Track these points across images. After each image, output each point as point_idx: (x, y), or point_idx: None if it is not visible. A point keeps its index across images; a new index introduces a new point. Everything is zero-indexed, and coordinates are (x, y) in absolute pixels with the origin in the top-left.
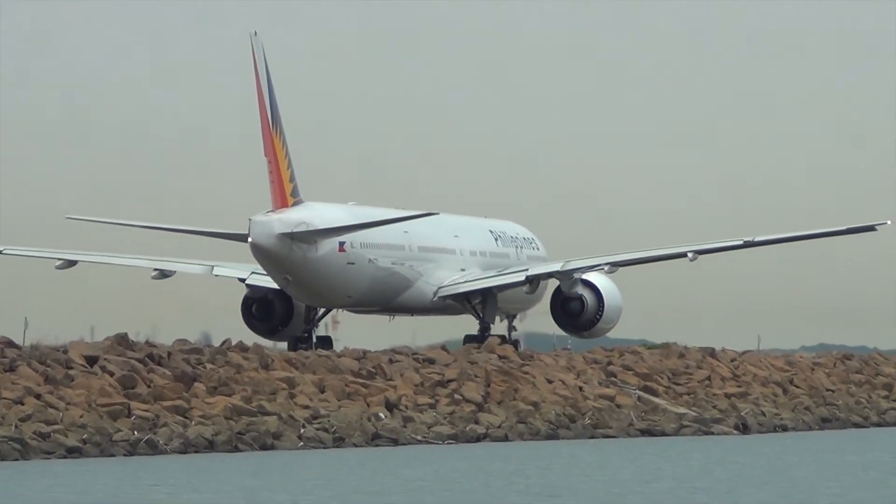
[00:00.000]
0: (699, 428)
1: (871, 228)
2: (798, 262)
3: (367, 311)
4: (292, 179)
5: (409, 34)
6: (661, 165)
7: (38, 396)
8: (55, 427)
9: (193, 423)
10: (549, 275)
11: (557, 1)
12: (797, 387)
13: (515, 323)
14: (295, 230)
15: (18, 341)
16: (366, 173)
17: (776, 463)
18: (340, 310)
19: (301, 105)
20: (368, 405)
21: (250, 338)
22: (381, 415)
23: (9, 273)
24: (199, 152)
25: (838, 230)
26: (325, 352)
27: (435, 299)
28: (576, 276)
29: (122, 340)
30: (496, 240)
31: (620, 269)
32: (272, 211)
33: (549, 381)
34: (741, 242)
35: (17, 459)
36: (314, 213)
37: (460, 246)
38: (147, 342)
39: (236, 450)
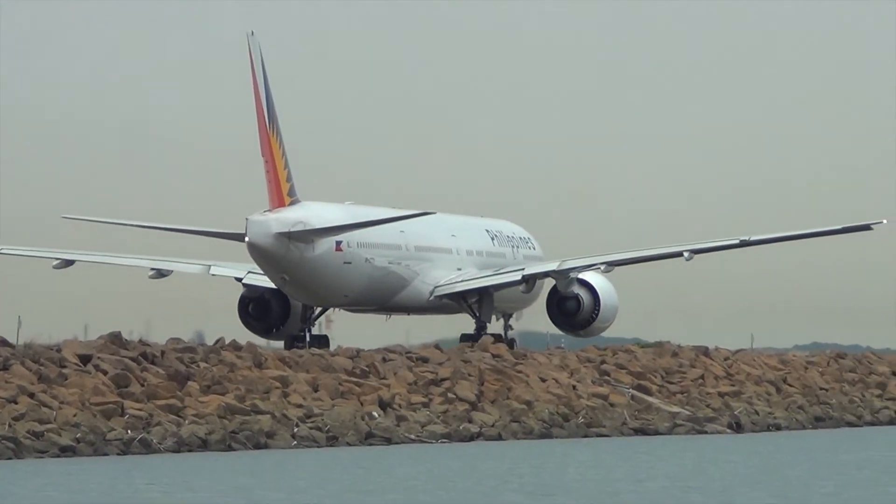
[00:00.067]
0: (692, 427)
1: (866, 228)
2: (795, 261)
3: (363, 311)
4: (289, 179)
5: (407, 34)
6: (660, 165)
7: (31, 395)
8: (49, 426)
9: (187, 421)
10: (546, 274)
11: (557, 1)
12: (791, 385)
13: (511, 322)
14: (292, 230)
15: (12, 340)
16: (363, 173)
17: (769, 462)
18: (337, 309)
19: (297, 104)
20: (362, 404)
21: (247, 337)
22: (375, 414)
23: (4, 272)
24: (196, 152)
25: (834, 229)
26: (318, 350)
27: (431, 298)
28: (572, 275)
29: (115, 339)
30: (492, 239)
31: (616, 268)
32: (269, 210)
33: (543, 380)
34: (737, 242)
35: (10, 458)
36: (311, 213)
37: (457, 245)
38: (140, 341)
39: (230, 449)
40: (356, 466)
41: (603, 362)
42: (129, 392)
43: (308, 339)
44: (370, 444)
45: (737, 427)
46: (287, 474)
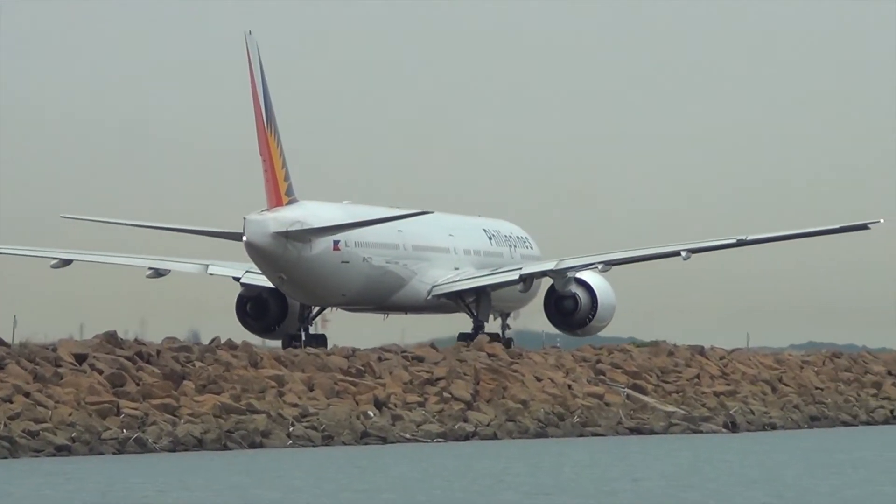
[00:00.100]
0: (688, 426)
1: (864, 227)
2: (793, 261)
3: (361, 310)
4: (287, 178)
5: (406, 33)
6: (660, 165)
7: (27, 394)
8: (44, 425)
9: (182, 421)
10: (543, 273)
11: (557, 1)
12: (786, 385)
13: (509, 321)
14: (290, 229)
15: (8, 339)
16: (360, 172)
17: (765, 461)
18: (334, 308)
19: (295, 104)
20: (357, 403)
21: (246, 337)
22: (370, 413)
23: (2, 272)
24: (194, 151)
25: (832, 228)
26: (314, 350)
27: (429, 298)
28: (569, 274)
29: (110, 338)
30: (490, 239)
31: (614, 267)
32: (267, 210)
33: (539, 380)
34: (734, 241)
35: (6, 458)
36: (309, 212)
37: (454, 245)
38: (136, 340)
39: (225, 448)
40: (352, 466)
41: (598, 362)
42: (125, 391)
43: (304, 338)
44: (366, 444)
45: (732, 426)
46: (283, 474)
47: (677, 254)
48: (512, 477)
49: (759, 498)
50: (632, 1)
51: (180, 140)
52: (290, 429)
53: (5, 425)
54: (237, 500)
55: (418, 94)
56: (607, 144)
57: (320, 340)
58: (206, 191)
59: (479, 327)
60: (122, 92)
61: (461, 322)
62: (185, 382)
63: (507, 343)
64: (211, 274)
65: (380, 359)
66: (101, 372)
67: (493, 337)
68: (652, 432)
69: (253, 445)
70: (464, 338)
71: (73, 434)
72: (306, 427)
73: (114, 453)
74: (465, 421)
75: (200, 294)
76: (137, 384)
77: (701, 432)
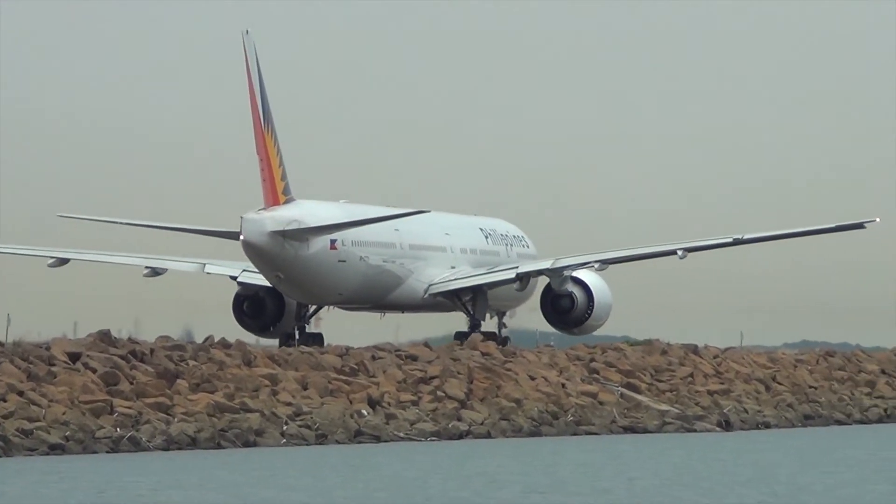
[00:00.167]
0: (682, 425)
1: (860, 226)
2: (790, 260)
3: (358, 309)
4: (284, 177)
5: (405, 33)
6: (660, 165)
7: (20, 393)
8: (38, 424)
9: (176, 420)
10: (540, 272)
11: (557, 1)
12: (780, 384)
13: (505, 320)
14: (287, 228)
15: (1, 338)
16: (357, 171)
17: (759, 460)
18: (331, 307)
19: (292, 103)
20: (351, 402)
21: (242, 336)
22: (364, 412)
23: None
24: (191, 151)
25: (828, 227)
26: (307, 348)
27: (426, 296)
28: (566, 273)
29: (104, 337)
30: (486, 238)
31: (610, 266)
32: (264, 209)
33: (532, 378)
34: (730, 240)
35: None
36: (306, 211)
37: (451, 244)
38: (130, 339)
39: (219, 447)
40: (345, 465)
41: (592, 360)
42: (119, 390)
43: (297, 336)
44: (359, 442)
45: (726, 425)
46: (276, 472)
47: (674, 253)
48: (506, 476)
49: (753, 496)
50: (632, 1)
51: (178, 139)
52: (284, 427)
53: None
54: (231, 499)
55: (416, 94)
56: (607, 144)
57: (317, 339)
58: (204, 190)
59: (475, 326)
60: (120, 92)
61: (456, 321)
62: (178, 381)
63: (504, 341)
64: (208, 273)
65: (373, 357)
66: (94, 371)
67: (490, 336)
68: (646, 431)
69: (247, 444)
70: (461, 336)
71: (67, 433)
72: (300, 426)
73: (107, 452)
74: (459, 420)
75: (197, 293)
76: (131, 383)
77: (695, 431)
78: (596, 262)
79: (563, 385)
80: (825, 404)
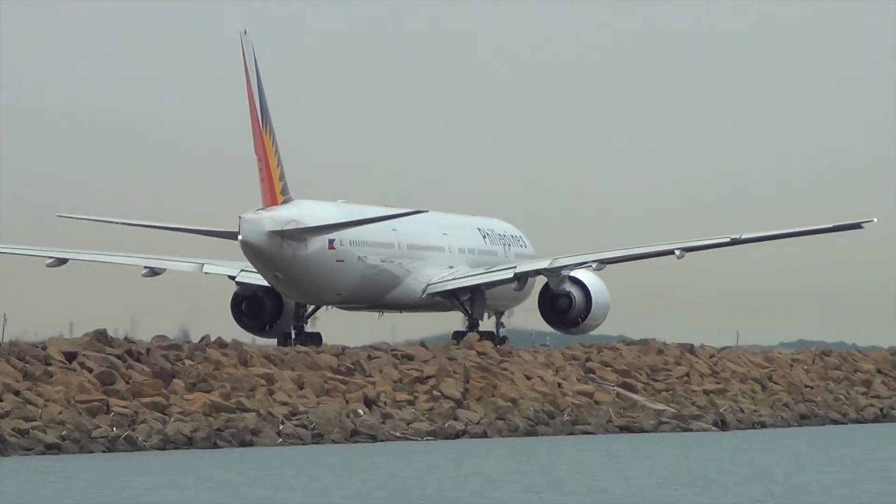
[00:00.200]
0: (678, 424)
1: (857, 226)
2: (788, 260)
3: (356, 308)
4: (282, 177)
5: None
6: (660, 165)
7: (16, 393)
8: (34, 423)
9: (172, 419)
10: (537, 272)
11: (557, 1)
12: (776, 383)
13: (503, 319)
14: (285, 228)
15: None
16: (355, 171)
17: (755, 459)
18: (329, 307)
19: (290, 103)
20: (347, 402)
21: (241, 335)
22: (360, 411)
23: None
24: (189, 151)
25: (825, 227)
26: (303, 348)
27: (424, 296)
28: (564, 273)
29: (100, 337)
30: (484, 237)
31: (608, 266)
32: (262, 209)
33: (528, 378)
34: (728, 240)
35: None
36: (304, 211)
37: (449, 243)
38: (126, 338)
39: (215, 446)
40: (341, 464)
41: (588, 360)
42: (115, 390)
43: (293, 336)
44: (355, 442)
45: (722, 425)
46: (272, 472)
47: (671, 252)
48: (502, 475)
49: (749, 496)
50: (632, 1)
51: (176, 139)
52: (280, 427)
53: None
54: (227, 499)
55: (415, 94)
56: (607, 144)
57: (316, 339)
58: (202, 190)
59: (473, 325)
60: (119, 92)
61: (453, 321)
62: (174, 381)
63: (503, 341)
64: (206, 273)
65: (369, 357)
66: (91, 370)
67: (488, 335)
68: (641, 430)
69: (243, 444)
70: (459, 336)
71: (63, 432)
72: (296, 425)
73: (104, 452)
74: (455, 419)
75: (195, 293)
76: (127, 382)
77: (690, 430)
78: (594, 261)
79: (560, 385)
80: (821, 404)
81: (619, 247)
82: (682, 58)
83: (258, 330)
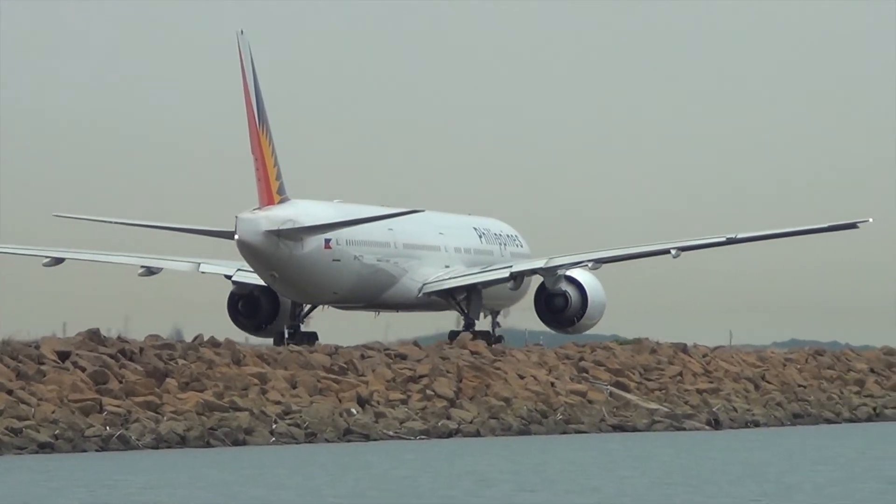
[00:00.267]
0: (671, 423)
1: (853, 226)
2: (783, 259)
3: (352, 308)
4: (279, 177)
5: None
6: (660, 165)
7: (9, 392)
8: (27, 423)
9: (165, 418)
10: (533, 271)
11: (557, 1)
12: (769, 382)
13: (499, 319)
14: (281, 227)
15: None
16: (351, 171)
17: (748, 458)
18: (326, 306)
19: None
20: (340, 401)
21: (237, 334)
22: (353, 410)
23: None
24: (186, 150)
25: (820, 227)
26: (296, 347)
27: (420, 295)
28: (560, 272)
29: (93, 336)
30: (480, 237)
31: (604, 265)
32: (259, 208)
33: (521, 377)
34: (724, 239)
35: None
36: (300, 211)
37: (445, 243)
38: (119, 338)
39: (208, 445)
40: (334, 463)
41: (581, 359)
42: (108, 389)
43: (287, 335)
44: (348, 441)
45: (715, 424)
46: (266, 471)
47: (667, 252)
48: (495, 474)
49: (742, 495)
50: (632, 1)
51: (174, 139)
52: (273, 426)
53: None
54: (220, 498)
55: (415, 94)
56: (607, 144)
57: (311, 338)
58: (199, 190)
59: (470, 325)
60: (118, 92)
61: (448, 320)
62: (167, 380)
63: (498, 340)
64: (203, 272)
65: (363, 356)
66: (83, 369)
67: (483, 334)
68: (635, 429)
69: (236, 443)
70: (455, 335)
71: (57, 431)
72: (289, 424)
73: (97, 451)
74: (448, 418)
75: (192, 292)
76: (120, 382)
77: (684, 430)
78: (590, 261)
79: (553, 384)
80: (814, 403)
81: (616, 247)
82: (682, 58)
83: (254, 329)
